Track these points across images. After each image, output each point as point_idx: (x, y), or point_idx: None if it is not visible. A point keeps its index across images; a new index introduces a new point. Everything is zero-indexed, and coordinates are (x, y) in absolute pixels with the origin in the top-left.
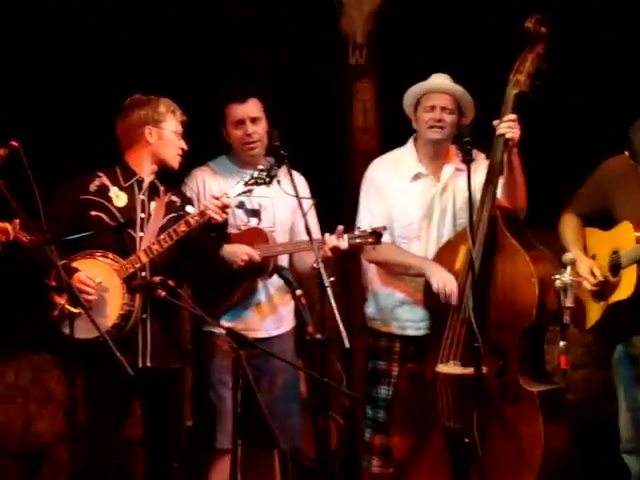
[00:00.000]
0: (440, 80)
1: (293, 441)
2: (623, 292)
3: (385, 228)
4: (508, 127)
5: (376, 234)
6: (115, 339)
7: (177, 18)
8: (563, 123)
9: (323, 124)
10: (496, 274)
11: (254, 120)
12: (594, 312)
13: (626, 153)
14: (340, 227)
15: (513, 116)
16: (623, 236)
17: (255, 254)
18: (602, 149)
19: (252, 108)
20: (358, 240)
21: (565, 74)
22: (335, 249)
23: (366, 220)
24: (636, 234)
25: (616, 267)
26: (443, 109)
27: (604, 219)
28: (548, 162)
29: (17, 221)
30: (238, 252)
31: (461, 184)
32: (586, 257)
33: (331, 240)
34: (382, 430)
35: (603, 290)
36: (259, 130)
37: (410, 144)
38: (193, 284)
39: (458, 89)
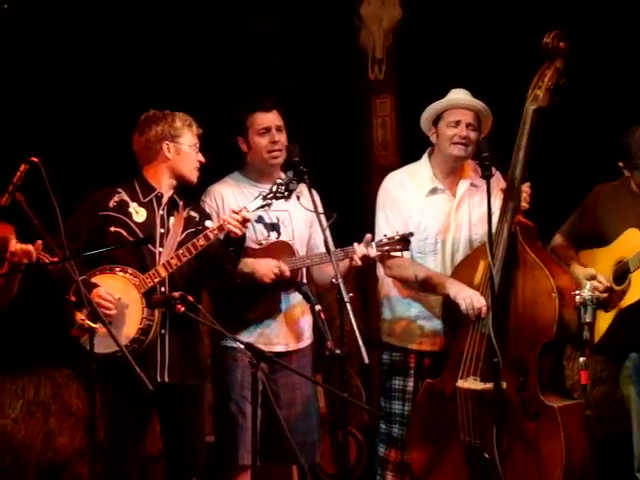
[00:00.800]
0: (464, 95)
1: (312, 457)
2: (634, 295)
3: (412, 234)
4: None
5: (404, 240)
6: (134, 354)
7: (196, 34)
8: (580, 138)
9: (342, 139)
10: (516, 289)
11: (279, 129)
12: (602, 323)
13: (620, 164)
14: (368, 235)
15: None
16: (628, 243)
17: (286, 268)
18: (610, 166)
19: (277, 117)
20: (386, 247)
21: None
22: (365, 258)
23: (384, 231)
24: None
25: (621, 275)
26: (468, 125)
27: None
28: (567, 179)
29: (39, 242)
30: (270, 267)
31: (476, 200)
32: (587, 269)
33: (361, 249)
34: (397, 445)
35: (610, 301)
36: (283, 139)
37: (425, 159)
38: (215, 297)
39: (481, 105)
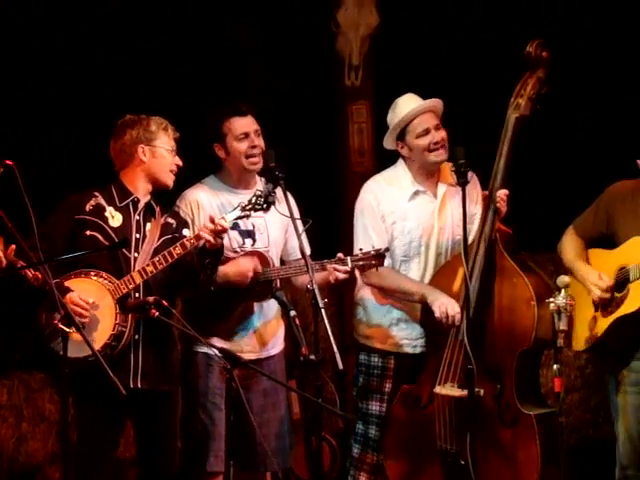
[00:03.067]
0: (417, 101)
1: (284, 462)
2: (631, 305)
3: (388, 249)
4: (501, 200)
5: (379, 255)
6: (106, 359)
7: (174, 41)
8: (561, 147)
9: (319, 145)
10: (495, 296)
11: (257, 133)
12: (599, 327)
13: (638, 162)
14: (339, 254)
15: (506, 192)
16: (633, 251)
17: (258, 265)
18: (601, 174)
19: (254, 122)
20: (361, 262)
21: (563, 100)
22: (339, 275)
23: (362, 242)
24: None
25: (622, 282)
26: (436, 127)
27: (604, 243)
28: (546, 187)
29: (13, 247)
30: (243, 270)
31: (456, 201)
32: (592, 268)
33: (337, 269)
34: (373, 447)
35: (608, 305)
36: (262, 144)
37: (401, 164)
38: (188, 304)
39: (438, 102)
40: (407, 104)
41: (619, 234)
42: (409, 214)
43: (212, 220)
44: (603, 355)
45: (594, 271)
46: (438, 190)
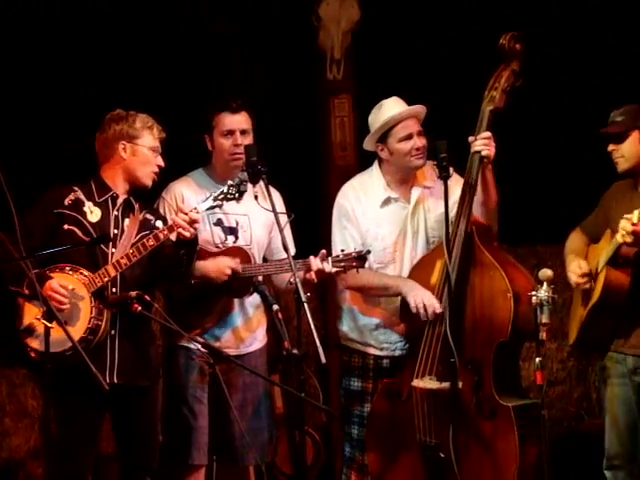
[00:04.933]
0: (401, 105)
1: (263, 456)
2: (595, 296)
3: (369, 252)
4: (483, 144)
5: (361, 257)
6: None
7: (158, 35)
8: (543, 141)
9: (301, 139)
10: (472, 289)
11: (243, 132)
12: (580, 321)
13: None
14: (323, 251)
15: (488, 134)
16: (605, 243)
17: (238, 266)
18: (582, 169)
19: (244, 121)
20: (343, 263)
21: (540, 94)
22: (320, 272)
23: (340, 246)
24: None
25: (597, 274)
26: (419, 133)
27: None
28: (527, 180)
29: None
30: (221, 267)
31: (431, 204)
32: (575, 258)
33: (316, 263)
34: (358, 446)
35: (586, 297)
36: (247, 143)
37: (376, 168)
38: (170, 299)
39: (422, 108)
40: (392, 107)
41: (612, 225)
42: (381, 221)
43: (183, 211)
44: (587, 347)
45: (575, 260)
46: (412, 195)
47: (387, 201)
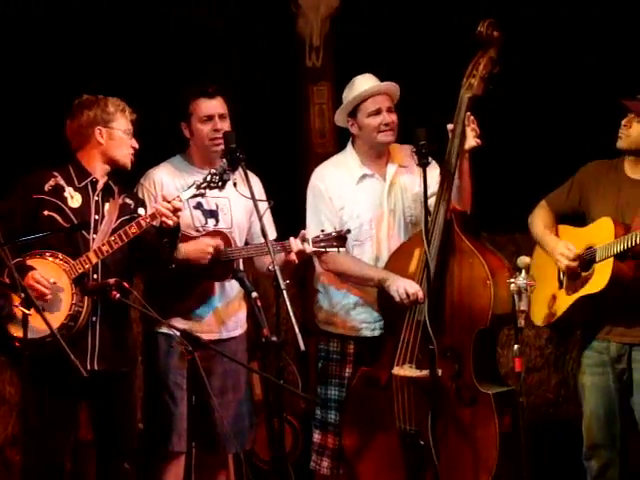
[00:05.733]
0: (373, 81)
1: (243, 443)
2: (595, 285)
3: (349, 231)
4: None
5: (340, 237)
6: (64, 340)
7: (132, 19)
8: (521, 129)
9: (279, 127)
10: (451, 277)
11: (222, 117)
12: (561, 304)
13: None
14: (303, 232)
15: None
16: (601, 232)
17: (220, 243)
18: (562, 156)
19: (221, 105)
20: (323, 244)
21: (523, 80)
22: (300, 253)
23: (315, 228)
24: (615, 230)
25: (589, 262)
26: (388, 110)
27: (574, 220)
28: (505, 168)
29: None
30: (203, 247)
31: (407, 181)
32: (559, 239)
33: (297, 244)
34: (333, 431)
35: (572, 283)
36: (226, 127)
37: (349, 148)
38: (149, 284)
39: (394, 86)
40: (364, 83)
41: (590, 213)
42: (358, 198)
43: (166, 199)
44: (565, 333)
45: (561, 241)
46: (387, 171)
47: (363, 177)
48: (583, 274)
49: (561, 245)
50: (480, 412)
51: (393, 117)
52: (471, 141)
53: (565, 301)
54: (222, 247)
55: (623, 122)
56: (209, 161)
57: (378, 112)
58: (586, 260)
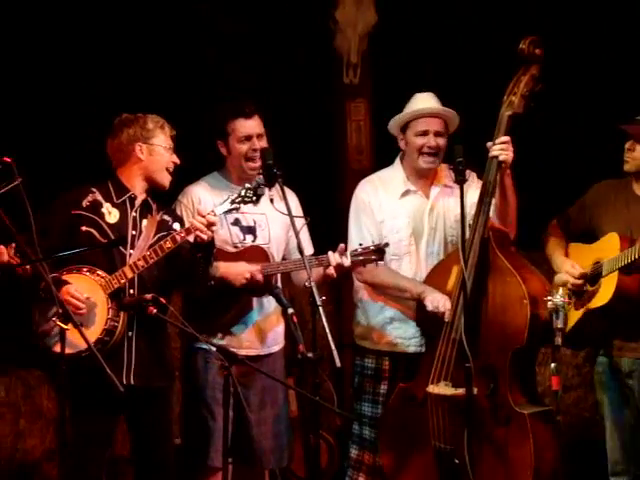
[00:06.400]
0: (430, 102)
1: (281, 460)
2: (601, 299)
3: (387, 245)
4: (501, 149)
5: (379, 251)
6: (100, 355)
7: (170, 36)
8: (557, 146)
9: (317, 143)
10: (488, 295)
11: (259, 136)
12: (570, 319)
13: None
14: (342, 245)
15: (506, 138)
16: (608, 246)
17: (257, 273)
18: (596, 172)
19: (258, 124)
20: (361, 257)
21: (559, 97)
22: (339, 267)
23: (356, 240)
24: (621, 244)
25: (596, 276)
26: (436, 134)
27: (586, 238)
28: (543, 184)
29: (13, 245)
30: (241, 271)
31: (450, 202)
32: (566, 258)
33: (335, 258)
34: (369, 448)
35: (580, 298)
36: (263, 146)
37: (397, 163)
38: (188, 300)
39: (449, 112)
40: (423, 101)
41: (600, 230)
42: (399, 212)
43: (200, 213)
44: (577, 349)
45: (568, 260)
46: (431, 191)
47: (406, 193)
48: (590, 289)
49: (567, 264)
50: (515, 432)
51: (439, 141)
52: (502, 155)
53: (574, 316)
54: (258, 276)
55: (627, 146)
56: (246, 179)
57: (425, 133)
58: (594, 275)
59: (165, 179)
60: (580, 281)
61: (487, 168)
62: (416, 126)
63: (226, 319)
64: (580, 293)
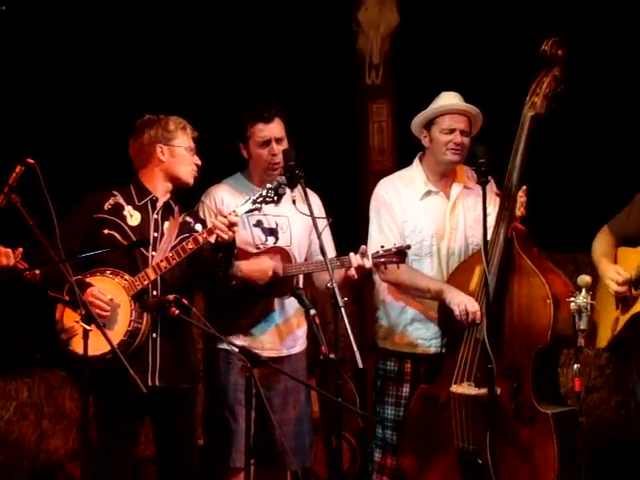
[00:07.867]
0: (456, 100)
1: (303, 461)
2: (638, 305)
3: (409, 247)
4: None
5: (401, 253)
6: (123, 356)
7: (194, 39)
8: (584, 146)
9: (339, 144)
10: (511, 295)
11: (279, 140)
12: (616, 326)
13: None
14: (363, 247)
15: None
16: None
17: (279, 267)
18: (622, 175)
19: (278, 128)
20: (383, 259)
21: (586, 100)
22: (360, 268)
23: (377, 240)
24: None
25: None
26: (462, 132)
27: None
28: (568, 187)
29: (20, 250)
30: (264, 268)
31: (470, 202)
32: (611, 264)
33: (356, 259)
34: (391, 450)
35: (626, 303)
36: (283, 149)
37: (417, 163)
38: (210, 301)
39: (474, 110)
40: (448, 98)
41: None
42: (420, 213)
43: (222, 213)
44: (624, 354)
45: (612, 266)
46: (452, 191)
47: (427, 194)
48: (635, 293)
49: (611, 270)
50: (538, 432)
51: (464, 140)
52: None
53: (620, 322)
54: (281, 271)
55: None
56: (267, 180)
57: (452, 131)
58: (638, 278)
59: (189, 177)
60: (622, 288)
61: (509, 169)
62: (442, 123)
63: (248, 321)
64: (626, 298)
